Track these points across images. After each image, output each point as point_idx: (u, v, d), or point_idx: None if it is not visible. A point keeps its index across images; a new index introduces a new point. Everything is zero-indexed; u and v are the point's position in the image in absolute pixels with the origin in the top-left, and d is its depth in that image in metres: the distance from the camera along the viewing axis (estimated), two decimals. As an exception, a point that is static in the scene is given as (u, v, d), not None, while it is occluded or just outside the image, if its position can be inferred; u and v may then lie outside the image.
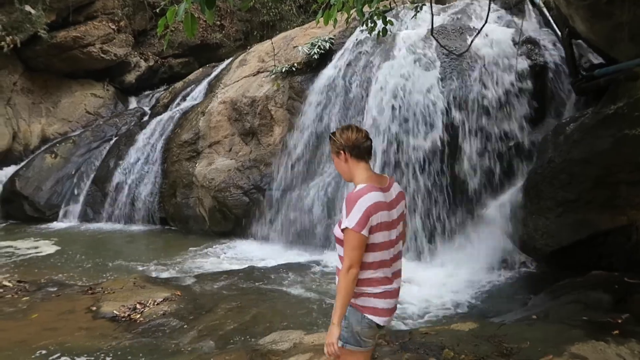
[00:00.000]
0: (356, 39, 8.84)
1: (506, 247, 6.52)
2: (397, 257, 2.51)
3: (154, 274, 6.78)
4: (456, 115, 7.31)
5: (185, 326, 4.88)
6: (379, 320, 2.42)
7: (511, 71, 7.25)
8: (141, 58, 13.65)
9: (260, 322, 4.88)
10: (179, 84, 12.53)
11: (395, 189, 2.54)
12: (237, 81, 10.32)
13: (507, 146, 7.12)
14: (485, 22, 5.73)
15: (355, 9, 4.22)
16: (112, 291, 5.66)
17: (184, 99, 11.68)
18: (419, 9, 7.24)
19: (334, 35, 9.36)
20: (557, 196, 5.59)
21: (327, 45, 9.12)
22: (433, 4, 6.84)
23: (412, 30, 8.65)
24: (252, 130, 9.32)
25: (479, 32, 6.38)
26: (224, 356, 3.95)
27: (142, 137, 10.71)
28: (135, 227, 9.78)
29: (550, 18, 7.80)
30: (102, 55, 12.35)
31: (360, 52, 8.62)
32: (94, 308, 5.21)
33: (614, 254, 5.40)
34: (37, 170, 10.65)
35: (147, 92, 13.66)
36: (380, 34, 5.59)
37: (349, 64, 8.59)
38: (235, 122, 9.55)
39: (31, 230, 9.58)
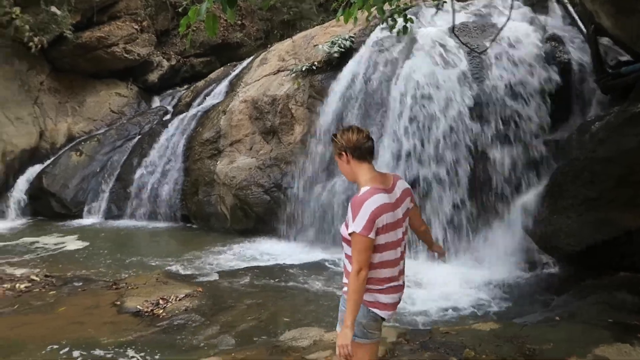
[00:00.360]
0: (377, 37, 8.81)
1: (528, 247, 6.43)
2: (403, 255, 2.58)
3: (176, 270, 6.89)
4: (479, 113, 7.24)
5: (206, 322, 4.94)
6: (383, 313, 2.51)
7: (535, 69, 7.15)
8: (164, 57, 13.84)
9: (280, 319, 4.92)
10: (200, 83, 12.67)
11: (400, 187, 2.57)
12: (258, 80, 10.38)
13: (530, 145, 7.03)
14: (508, 19, 5.66)
15: (375, 7, 4.21)
16: (135, 287, 5.77)
17: (205, 97, 11.80)
18: (440, 7, 7.19)
19: (355, 34, 9.34)
20: (579, 195, 5.49)
21: (348, 43, 9.12)
22: (454, 1, 6.78)
23: (433, 28, 8.58)
24: (273, 129, 9.37)
25: (501, 30, 6.31)
26: (245, 352, 3.99)
27: (164, 136, 10.86)
28: (158, 224, 9.94)
29: (574, 14, 7.66)
30: (126, 55, 12.56)
31: (380, 51, 8.59)
32: (118, 303, 5.33)
33: (636, 254, 5.28)
34: (63, 167, 10.90)
35: (169, 91, 13.84)
36: (401, 32, 5.57)
37: (369, 62, 8.57)
38: (256, 120, 9.62)
39: (57, 227, 9.82)
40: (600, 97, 6.94)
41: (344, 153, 2.51)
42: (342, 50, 9.04)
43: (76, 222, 10.16)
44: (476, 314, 5.31)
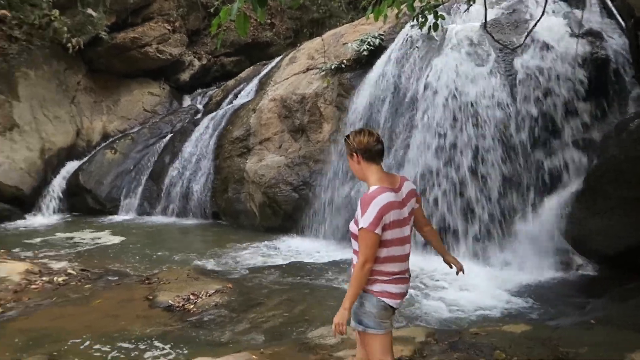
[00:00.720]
0: (406, 35, 8.73)
1: (562, 248, 6.27)
2: (409, 248, 2.71)
3: (206, 266, 7.00)
4: (511, 110, 7.10)
5: (235, 318, 5.01)
6: (392, 302, 2.63)
7: (570, 65, 6.95)
8: (195, 57, 14.06)
9: (308, 316, 4.93)
10: (230, 82, 12.83)
11: (406, 187, 2.69)
12: (287, 79, 10.44)
13: (565, 143, 6.85)
14: (542, 14, 5.53)
15: (405, 4, 4.17)
16: (167, 282, 5.89)
17: (235, 96, 11.94)
18: (471, 3, 7.07)
19: (384, 31, 9.29)
20: (618, 195, 5.33)
21: (377, 41, 9.07)
22: (487, -3, 6.65)
23: (464, 24, 8.44)
24: (302, 127, 9.41)
25: (535, 25, 6.16)
26: (273, 348, 4.03)
27: (195, 134, 11.05)
28: (189, 221, 10.13)
29: (613, 8, 7.41)
30: (158, 55, 12.83)
31: (410, 48, 8.51)
32: (151, 297, 5.44)
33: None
34: (98, 165, 11.22)
35: (200, 90, 14.07)
36: (432, 29, 5.49)
37: (399, 60, 8.50)
38: (285, 119, 9.67)
39: (93, 222, 10.11)
40: (639, 93, 6.71)
41: (355, 154, 2.65)
42: (372, 48, 9.00)
43: (110, 218, 10.44)
44: (507, 315, 5.21)
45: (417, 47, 8.45)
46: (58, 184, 11.10)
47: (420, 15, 5.26)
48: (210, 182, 10.26)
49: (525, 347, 3.73)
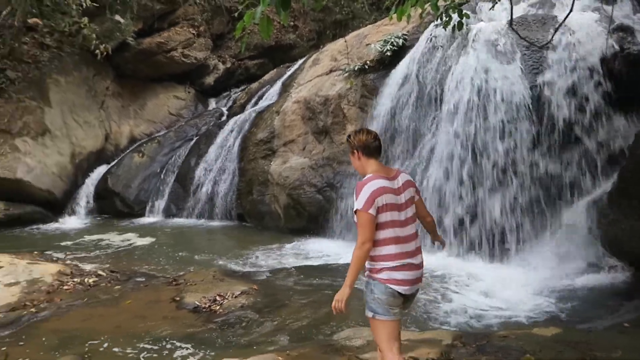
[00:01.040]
0: (430, 34, 8.65)
1: (593, 249, 6.11)
2: (414, 235, 2.90)
3: (231, 268, 7.07)
4: (538, 110, 6.96)
5: (261, 319, 5.03)
6: (399, 288, 2.79)
7: (600, 61, 6.78)
8: (219, 61, 14.23)
9: (334, 318, 4.92)
10: (254, 85, 12.93)
11: (403, 178, 2.94)
12: (310, 80, 10.46)
13: (596, 143, 6.68)
14: (571, 10, 5.39)
15: (429, 3, 4.13)
16: (193, 283, 5.96)
17: (259, 99, 12.03)
18: (496, 0, 6.95)
19: (407, 31, 9.22)
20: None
21: (400, 41, 9.01)
22: (512, -6, 6.54)
23: (489, 22, 8.32)
24: (325, 129, 9.41)
25: (563, 22, 6.01)
26: (299, 350, 4.03)
27: (220, 137, 11.17)
28: (214, 223, 10.24)
29: (645, 2, 7.20)
30: (184, 59, 13.03)
31: (434, 47, 8.42)
32: (178, 299, 5.52)
33: None
34: (126, 168, 11.45)
35: (224, 94, 14.23)
36: (456, 27, 5.42)
37: (423, 60, 8.43)
38: (309, 120, 9.69)
39: (121, 225, 10.32)
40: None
41: (356, 151, 2.94)
42: (395, 48, 8.95)
43: (138, 221, 10.64)
44: (536, 318, 5.11)
45: (441, 46, 8.36)
46: (88, 187, 11.36)
47: (444, 14, 5.19)
48: (235, 184, 10.36)
49: (555, 351, 3.65)
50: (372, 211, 2.73)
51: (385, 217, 2.77)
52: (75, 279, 6.17)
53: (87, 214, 11.07)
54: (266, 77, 13.01)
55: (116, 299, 5.63)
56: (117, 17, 11.28)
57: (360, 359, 3.74)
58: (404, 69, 8.62)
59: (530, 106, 6.99)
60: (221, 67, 14.23)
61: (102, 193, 11.21)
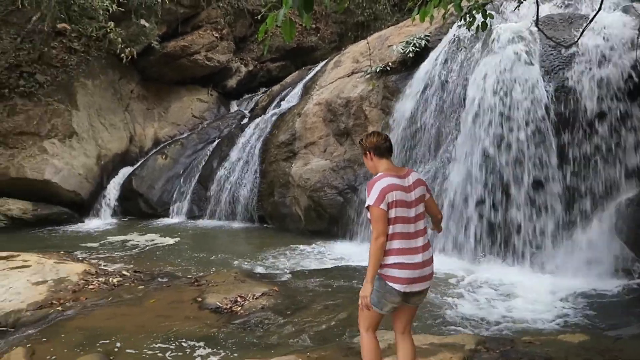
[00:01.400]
0: (453, 35, 8.57)
1: (623, 254, 5.95)
2: (422, 232, 2.99)
3: (252, 269, 7.10)
4: (563, 112, 6.82)
5: (282, 320, 5.04)
6: (397, 286, 2.89)
7: (629, 62, 6.60)
8: (241, 63, 14.34)
9: (355, 320, 4.88)
10: (276, 87, 12.99)
11: (413, 177, 3.05)
12: (332, 82, 10.46)
13: (623, 145, 6.50)
14: (599, 9, 5.27)
15: (453, 3, 4.08)
16: (215, 284, 6.00)
17: (281, 101, 12.08)
18: (521, 0, 6.84)
19: (430, 33, 9.15)
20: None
21: (423, 42, 8.94)
22: (538, -6, 6.42)
23: (513, 22, 8.19)
24: (347, 131, 9.40)
25: (590, 21, 5.88)
26: (319, 352, 4.02)
27: (242, 139, 11.26)
28: (236, 224, 10.31)
29: (677, 0, 6.99)
30: (207, 62, 13.17)
31: (457, 48, 8.34)
32: (199, 299, 5.56)
33: None
34: (150, 170, 11.63)
35: (246, 96, 14.33)
36: (480, 28, 5.34)
37: (445, 61, 8.35)
38: (330, 122, 9.69)
39: (145, 226, 10.48)
40: None
41: (368, 152, 3.08)
42: (417, 49, 8.89)
43: (161, 222, 10.78)
44: (563, 324, 4.99)
45: (464, 47, 8.27)
46: (113, 188, 11.56)
47: (467, 15, 5.12)
48: (256, 186, 10.42)
49: (581, 358, 3.56)
50: (383, 206, 2.84)
51: (395, 212, 2.88)
52: (100, 279, 6.27)
53: (112, 215, 11.27)
54: (288, 79, 13.07)
55: (140, 298, 5.71)
56: (142, 22, 11.47)
57: (381, 362, 3.70)
58: (426, 70, 8.55)
59: (555, 107, 6.85)
60: (243, 69, 14.34)
61: (127, 194, 11.40)
